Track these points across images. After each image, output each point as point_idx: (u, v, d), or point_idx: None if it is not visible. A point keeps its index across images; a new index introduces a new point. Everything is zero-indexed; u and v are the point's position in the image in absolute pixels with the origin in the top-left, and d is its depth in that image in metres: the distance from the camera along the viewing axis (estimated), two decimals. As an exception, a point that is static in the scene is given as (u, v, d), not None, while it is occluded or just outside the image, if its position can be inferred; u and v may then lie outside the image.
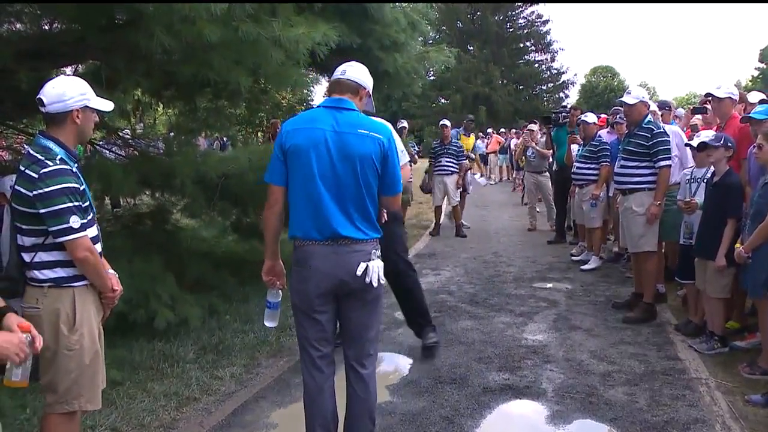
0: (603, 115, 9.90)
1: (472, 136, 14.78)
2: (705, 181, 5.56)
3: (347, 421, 3.37)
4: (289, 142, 3.17)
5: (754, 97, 6.27)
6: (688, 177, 5.88)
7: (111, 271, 3.23)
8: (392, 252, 4.96)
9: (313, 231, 3.15)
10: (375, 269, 3.16)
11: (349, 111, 3.20)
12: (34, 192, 2.82)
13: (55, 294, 2.95)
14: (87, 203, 3.00)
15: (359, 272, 3.13)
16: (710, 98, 6.00)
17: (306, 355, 3.36)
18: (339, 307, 3.29)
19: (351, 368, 3.35)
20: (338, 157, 3.10)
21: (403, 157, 4.81)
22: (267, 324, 3.73)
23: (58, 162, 2.87)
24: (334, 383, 3.41)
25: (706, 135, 5.49)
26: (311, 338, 3.32)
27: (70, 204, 2.86)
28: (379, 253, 3.24)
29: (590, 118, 8.72)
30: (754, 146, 4.85)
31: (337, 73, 3.32)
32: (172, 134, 8.09)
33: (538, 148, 11.63)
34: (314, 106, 3.49)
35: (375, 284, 3.16)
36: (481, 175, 17.58)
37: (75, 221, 2.87)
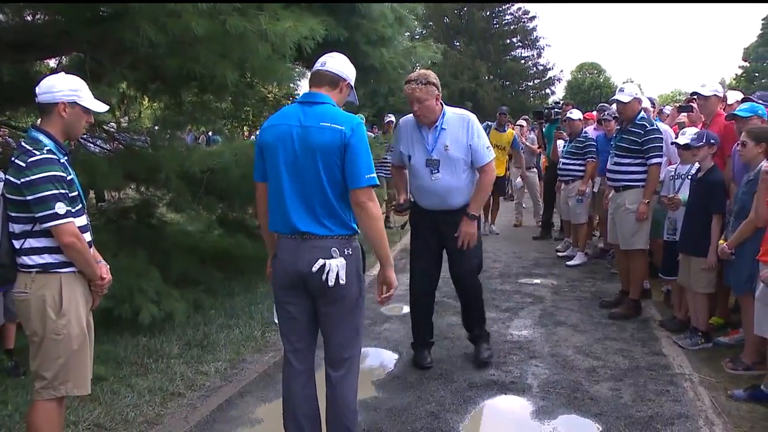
0: (594, 113, 9.92)
1: (510, 130, 11.30)
2: (690, 177, 5.59)
3: (326, 423, 3.34)
4: (262, 139, 3.20)
5: (732, 97, 6.31)
6: (672, 173, 5.91)
7: (102, 261, 3.29)
8: (465, 256, 4.74)
9: (281, 225, 3.16)
10: (333, 268, 3.06)
11: (319, 104, 3.13)
12: (22, 180, 2.92)
13: (43, 279, 3.03)
14: (75, 193, 3.09)
15: (315, 269, 3.06)
16: (696, 96, 6.03)
17: (284, 348, 3.38)
18: (315, 304, 3.23)
19: (325, 369, 3.30)
20: (301, 151, 3.05)
21: (489, 154, 4.61)
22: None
23: (45, 152, 2.97)
24: (313, 381, 3.38)
25: (691, 132, 5.53)
26: (284, 330, 3.34)
27: (56, 191, 2.94)
28: (349, 251, 3.14)
29: (575, 114, 8.74)
30: (737, 144, 4.89)
31: (317, 65, 3.24)
32: (157, 128, 8.04)
33: (527, 143, 11.65)
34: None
35: (331, 284, 3.07)
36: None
37: (60, 207, 2.94)
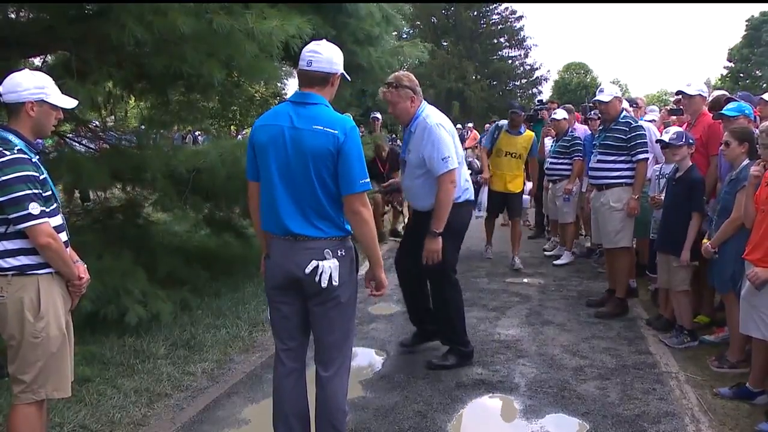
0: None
1: (528, 132, 8.56)
2: (665, 177, 5.64)
3: (315, 422, 3.33)
4: (255, 139, 3.16)
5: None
6: (658, 173, 5.95)
7: (79, 261, 3.25)
8: (423, 257, 4.61)
9: (273, 226, 3.14)
10: (326, 269, 3.06)
11: (312, 105, 3.09)
12: None
13: (20, 282, 2.97)
14: (49, 192, 3.04)
15: (308, 270, 3.05)
16: (681, 95, 6.07)
17: (275, 346, 3.37)
18: (307, 304, 3.23)
19: (316, 369, 3.30)
20: (294, 154, 3.02)
21: (443, 165, 4.40)
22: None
23: (15, 152, 2.91)
24: (303, 380, 3.38)
25: (675, 131, 5.56)
26: (276, 329, 3.33)
27: (29, 191, 2.89)
28: (342, 253, 3.13)
29: (560, 114, 8.78)
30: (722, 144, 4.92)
31: (303, 63, 3.14)
32: (143, 127, 8.00)
33: None
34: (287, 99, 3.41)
35: (324, 285, 3.06)
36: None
37: (34, 208, 2.89)
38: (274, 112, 3.23)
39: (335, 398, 3.25)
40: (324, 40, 3.24)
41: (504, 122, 8.52)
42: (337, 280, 3.09)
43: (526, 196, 9.05)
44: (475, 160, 8.35)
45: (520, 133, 8.39)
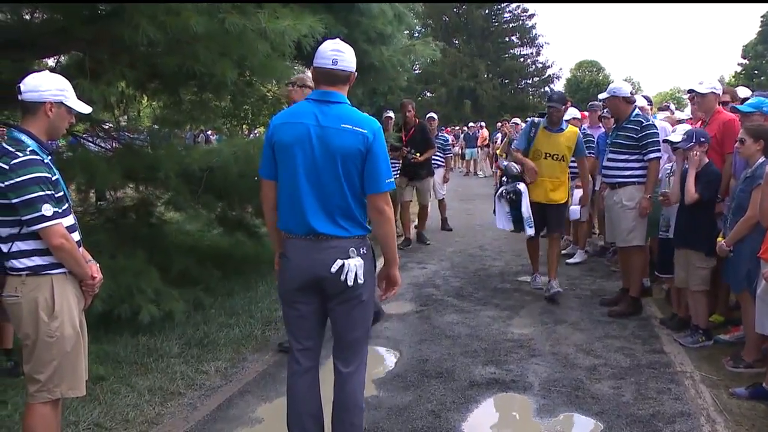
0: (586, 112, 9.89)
1: (571, 128, 6.92)
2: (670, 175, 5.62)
3: (332, 419, 3.34)
4: (275, 138, 3.14)
5: (743, 92, 6.32)
6: (668, 171, 5.90)
7: (92, 260, 3.27)
8: None
9: (294, 226, 3.13)
10: (352, 268, 3.07)
11: (336, 104, 3.10)
12: (6, 183, 2.87)
13: (34, 282, 3.00)
14: (61, 193, 3.06)
15: (334, 269, 3.06)
16: (694, 94, 6.02)
17: (291, 346, 3.37)
18: (325, 303, 3.24)
19: (335, 365, 3.31)
20: (321, 153, 3.02)
21: None
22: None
23: (28, 153, 2.92)
24: (317, 379, 3.38)
25: (682, 129, 5.52)
26: (292, 329, 3.33)
27: (42, 193, 2.90)
28: (364, 251, 3.15)
29: (570, 113, 8.71)
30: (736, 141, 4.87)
31: (326, 62, 3.10)
32: (156, 127, 8.02)
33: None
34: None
35: (350, 283, 3.07)
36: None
37: (47, 209, 2.91)
38: (295, 110, 3.22)
39: (354, 395, 3.27)
40: (338, 39, 3.24)
41: (540, 120, 6.92)
42: (362, 278, 3.11)
43: (575, 207, 7.82)
44: (513, 165, 6.95)
45: (562, 130, 6.82)
